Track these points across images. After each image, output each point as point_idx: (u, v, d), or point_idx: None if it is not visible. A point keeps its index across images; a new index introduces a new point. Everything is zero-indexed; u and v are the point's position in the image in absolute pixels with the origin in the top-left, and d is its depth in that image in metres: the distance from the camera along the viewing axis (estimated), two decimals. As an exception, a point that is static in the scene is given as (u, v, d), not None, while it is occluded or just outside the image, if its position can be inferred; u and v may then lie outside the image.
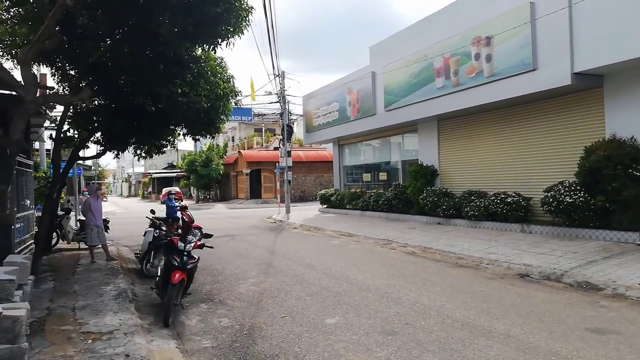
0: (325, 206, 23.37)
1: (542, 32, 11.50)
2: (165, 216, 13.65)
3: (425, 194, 15.51)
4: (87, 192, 16.93)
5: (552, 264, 8.32)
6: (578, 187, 10.82)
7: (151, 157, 13.46)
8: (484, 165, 14.72)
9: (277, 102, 24.13)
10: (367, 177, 21.46)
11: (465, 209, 13.87)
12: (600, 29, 10.12)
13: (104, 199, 41.67)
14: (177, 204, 14.21)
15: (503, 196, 12.95)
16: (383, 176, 20.28)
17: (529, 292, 7.11)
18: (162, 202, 40.19)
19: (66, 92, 10.34)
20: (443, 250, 10.40)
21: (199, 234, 12.93)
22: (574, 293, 7.02)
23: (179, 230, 13.33)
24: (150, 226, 9.38)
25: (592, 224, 10.62)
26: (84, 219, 13.27)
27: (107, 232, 12.36)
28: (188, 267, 6.56)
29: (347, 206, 20.98)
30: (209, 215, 26.34)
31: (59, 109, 12.52)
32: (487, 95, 13.11)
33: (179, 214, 13.62)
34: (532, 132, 13.19)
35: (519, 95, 12.31)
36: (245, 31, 8.63)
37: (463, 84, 13.78)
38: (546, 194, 11.50)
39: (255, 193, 38.02)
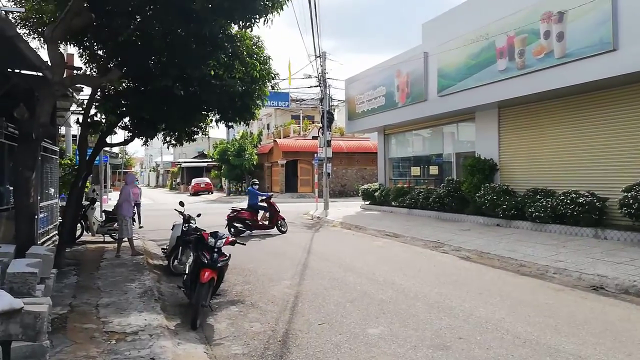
0: (367, 202, 23.27)
1: (625, 6, 10.93)
2: (247, 207, 15.56)
3: (482, 192, 15.17)
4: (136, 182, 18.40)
5: (631, 276, 7.94)
6: (665, 188, 10.30)
7: (181, 144, 13.74)
8: (552, 160, 14.23)
9: (316, 86, 24.11)
10: (415, 171, 21.21)
11: (529, 210, 13.46)
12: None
13: (131, 189, 42.93)
14: (257, 191, 15.81)
15: (574, 196, 12.49)
16: (434, 170, 19.97)
17: (604, 307, 6.80)
18: (192, 192, 40.95)
19: (94, 73, 10.66)
20: (502, 256, 10.13)
21: (284, 223, 15.50)
22: (658, 311, 6.66)
23: (266, 222, 15.47)
24: (183, 221, 9.58)
25: (681, 231, 10.07)
26: (110, 210, 13.68)
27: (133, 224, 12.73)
28: (218, 265, 6.63)
29: (393, 203, 20.84)
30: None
31: (86, 91, 12.95)
32: (557, 80, 12.63)
33: (261, 204, 15.50)
34: (610, 123, 12.61)
35: (595, 80, 11.79)
36: (284, 7, 8.61)
37: (530, 66, 13.32)
38: (626, 194, 10.99)
39: (290, 186, 38.28)
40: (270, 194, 16.68)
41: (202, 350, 5.43)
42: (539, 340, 5.53)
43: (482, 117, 16.72)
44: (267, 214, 15.62)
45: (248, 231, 15.19)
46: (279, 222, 15.51)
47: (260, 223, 15.40)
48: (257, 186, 16.26)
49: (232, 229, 14.96)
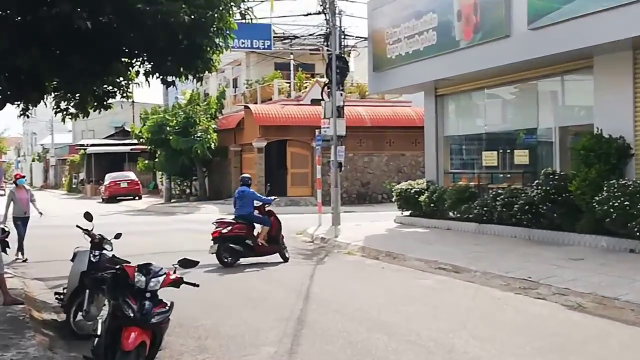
0: (407, 213, 23.33)
1: None
2: (237, 218, 16.34)
3: (605, 194, 15.13)
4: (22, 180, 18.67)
5: None
6: None
7: (86, 114, 13.69)
8: None
9: (318, 13, 24.08)
10: (489, 158, 21.18)
11: (687, 225, 13.43)
12: None
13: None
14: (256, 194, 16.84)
15: None
16: (522, 157, 19.97)
17: None
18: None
19: None
20: (640, 304, 10.16)
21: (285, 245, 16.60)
22: None
23: (264, 242, 16.32)
24: (93, 245, 9.58)
25: None
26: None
27: (4, 252, 12.68)
28: (153, 320, 6.64)
29: (451, 214, 20.86)
30: (188, 226, 26.63)
31: None
32: None
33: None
34: None
35: None
36: None
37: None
38: None
39: (276, 186, 37.99)
40: (273, 197, 17.57)
41: None
42: None
43: (605, 65, 16.65)
44: (267, 230, 16.40)
45: (244, 258, 16.04)
46: (283, 244, 16.53)
47: (260, 244, 16.20)
48: (250, 183, 17.15)
49: (227, 256, 15.74)
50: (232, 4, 11.89)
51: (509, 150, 20.61)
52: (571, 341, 8.76)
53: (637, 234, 14.44)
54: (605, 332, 9.22)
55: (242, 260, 15.91)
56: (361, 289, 12.69)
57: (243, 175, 18.00)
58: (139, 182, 48.66)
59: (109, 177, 48.27)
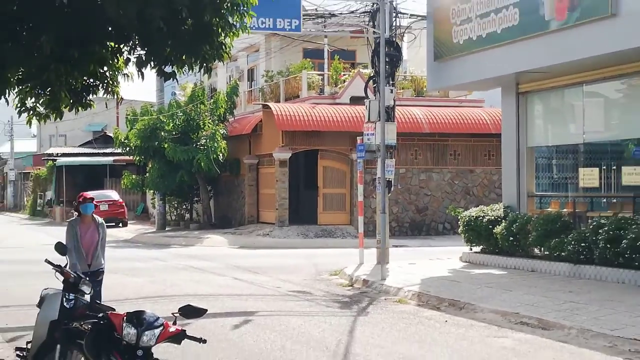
0: (477, 249, 23.56)
1: None
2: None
3: None
4: None
5: None
6: None
7: (59, 115, 13.71)
8: None
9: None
10: (588, 176, 21.07)
11: None
12: None
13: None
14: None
15: None
16: (632, 175, 19.78)
17: None
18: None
19: None
20: None
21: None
22: None
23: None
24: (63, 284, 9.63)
25: None
26: None
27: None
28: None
29: (537, 250, 20.97)
30: (189, 262, 26.71)
31: None
32: None
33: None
34: None
35: None
36: None
37: None
38: None
39: (303, 211, 37.96)
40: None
41: None
42: None
43: None
44: None
45: None
46: None
47: None
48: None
49: None
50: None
51: (614, 167, 20.59)
52: None
53: None
54: None
55: (251, 307, 15.86)
56: (417, 351, 12.60)
57: (82, 194, 17.79)
58: (124, 204, 48.98)
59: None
